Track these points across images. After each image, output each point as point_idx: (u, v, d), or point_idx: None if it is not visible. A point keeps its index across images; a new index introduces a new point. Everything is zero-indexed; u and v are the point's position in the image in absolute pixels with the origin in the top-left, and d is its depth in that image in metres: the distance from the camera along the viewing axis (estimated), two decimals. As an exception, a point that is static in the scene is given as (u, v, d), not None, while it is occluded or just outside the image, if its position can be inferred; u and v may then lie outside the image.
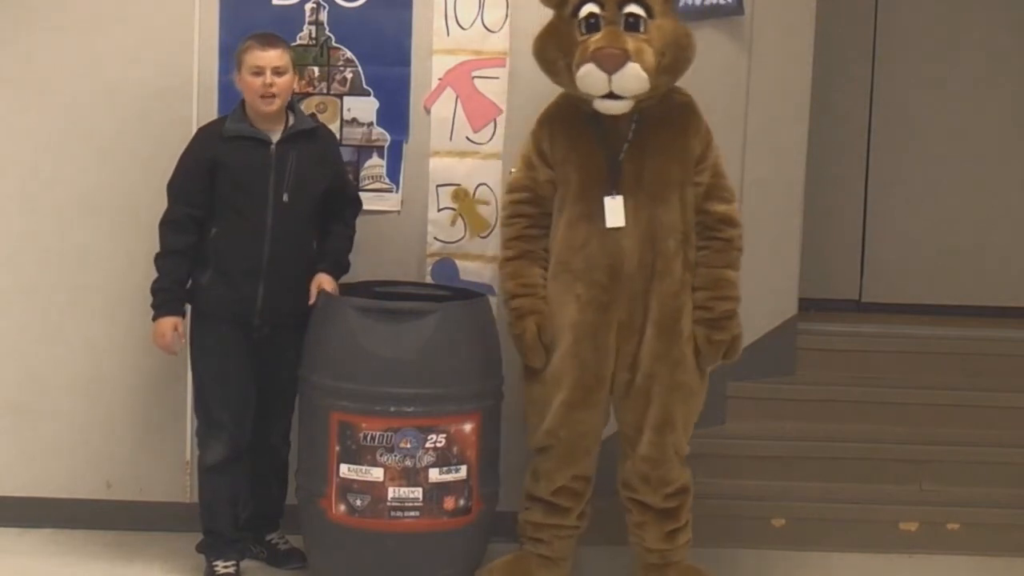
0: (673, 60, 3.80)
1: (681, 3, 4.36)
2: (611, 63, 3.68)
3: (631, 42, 3.71)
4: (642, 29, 3.75)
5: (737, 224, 3.94)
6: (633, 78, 3.70)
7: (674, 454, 3.94)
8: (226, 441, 4.02)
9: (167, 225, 3.97)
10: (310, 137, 4.03)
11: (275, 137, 3.97)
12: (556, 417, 3.91)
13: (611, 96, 3.74)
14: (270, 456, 4.18)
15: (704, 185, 3.89)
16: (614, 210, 3.83)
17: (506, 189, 4.12)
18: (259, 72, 3.90)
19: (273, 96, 3.91)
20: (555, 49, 3.85)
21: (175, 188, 3.99)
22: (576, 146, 3.89)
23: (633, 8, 3.75)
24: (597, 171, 3.86)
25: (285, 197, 3.94)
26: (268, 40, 3.95)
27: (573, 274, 3.87)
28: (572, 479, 3.97)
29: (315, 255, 4.09)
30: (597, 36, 3.73)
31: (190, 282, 4.01)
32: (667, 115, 3.87)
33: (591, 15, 3.76)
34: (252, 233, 3.94)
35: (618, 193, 3.83)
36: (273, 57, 3.92)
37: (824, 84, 4.80)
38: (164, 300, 3.97)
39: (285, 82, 3.94)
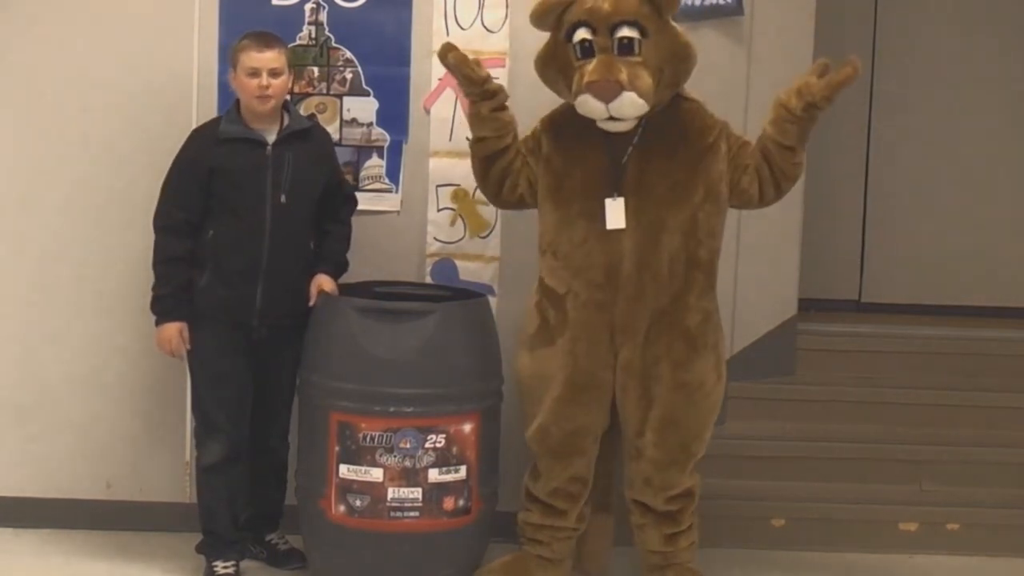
0: (673, 74, 3.79)
1: (681, 3, 4.36)
2: (605, 95, 3.68)
3: (625, 69, 3.68)
4: (637, 51, 3.72)
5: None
6: (629, 105, 3.70)
7: (681, 456, 3.91)
8: (223, 442, 4.02)
9: (165, 231, 3.97)
10: (305, 137, 4.02)
11: (271, 138, 3.96)
12: (548, 413, 3.92)
13: (612, 119, 3.75)
14: (269, 457, 4.18)
15: (743, 155, 3.86)
16: (615, 212, 3.82)
17: None
18: (255, 73, 3.89)
19: (269, 97, 3.90)
20: (555, 71, 3.85)
21: (171, 191, 3.98)
22: (581, 146, 3.88)
23: (626, 32, 3.70)
24: (600, 172, 3.85)
25: (283, 198, 3.94)
26: (265, 41, 3.94)
27: (572, 271, 3.87)
28: (568, 481, 3.97)
29: (314, 256, 4.09)
30: (591, 66, 3.70)
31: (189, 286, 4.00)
32: (674, 120, 3.86)
33: (584, 40, 3.74)
34: (250, 234, 3.93)
35: (620, 195, 3.83)
36: (270, 59, 3.90)
37: (824, 84, 4.79)
38: (168, 306, 3.97)
39: (281, 83, 3.93)
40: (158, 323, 3.99)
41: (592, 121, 3.81)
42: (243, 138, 3.93)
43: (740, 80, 4.47)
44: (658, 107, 3.81)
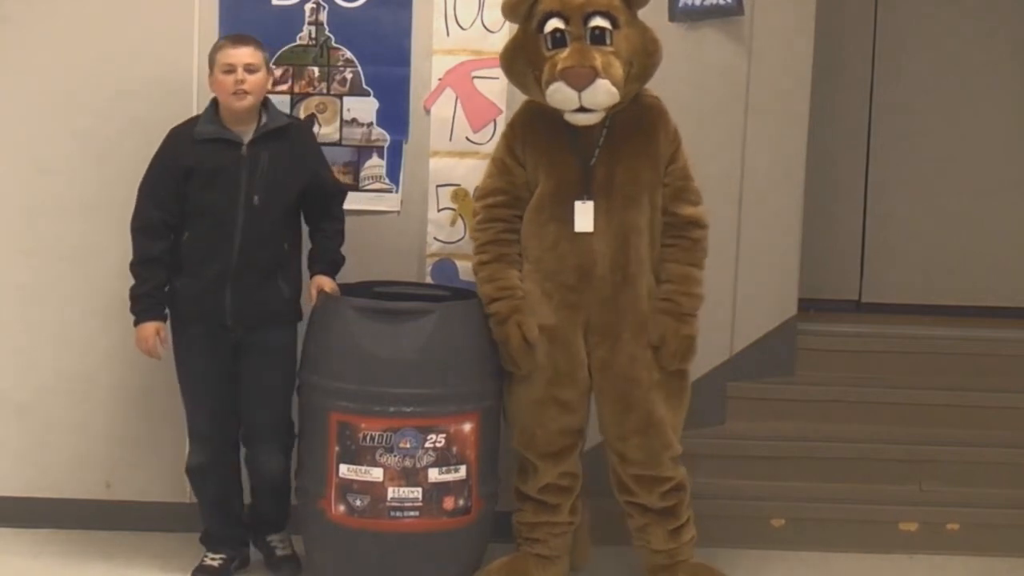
0: (641, 68, 3.81)
1: (681, 3, 4.37)
2: (580, 81, 3.69)
3: (599, 57, 3.70)
4: (608, 41, 3.74)
5: (704, 226, 3.92)
6: (603, 93, 3.71)
7: (664, 454, 3.93)
8: (204, 443, 4.02)
9: (141, 231, 3.94)
10: (283, 135, 3.96)
11: (246, 137, 3.92)
12: (530, 416, 3.94)
13: (582, 110, 3.75)
14: (260, 472, 4.09)
15: (672, 187, 3.88)
16: (584, 215, 3.83)
17: (477, 195, 4.10)
18: (231, 70, 3.86)
19: (245, 92, 3.87)
20: (523, 63, 3.86)
21: (147, 191, 3.96)
22: (548, 150, 3.89)
23: (599, 21, 3.73)
24: (568, 175, 3.87)
25: (256, 199, 3.89)
26: (239, 38, 3.93)
27: (543, 274, 3.90)
28: (559, 476, 3.98)
29: (309, 257, 4.06)
30: (564, 53, 3.72)
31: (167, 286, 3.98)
32: (637, 119, 3.88)
33: (556, 30, 3.75)
34: (221, 236, 3.89)
35: (589, 198, 3.83)
36: (244, 54, 3.88)
37: (824, 84, 4.79)
38: (145, 305, 3.96)
39: (257, 80, 3.89)
40: (136, 323, 3.98)
41: (557, 124, 3.83)
42: (218, 138, 3.90)
43: (740, 80, 4.46)
44: (624, 102, 3.82)
